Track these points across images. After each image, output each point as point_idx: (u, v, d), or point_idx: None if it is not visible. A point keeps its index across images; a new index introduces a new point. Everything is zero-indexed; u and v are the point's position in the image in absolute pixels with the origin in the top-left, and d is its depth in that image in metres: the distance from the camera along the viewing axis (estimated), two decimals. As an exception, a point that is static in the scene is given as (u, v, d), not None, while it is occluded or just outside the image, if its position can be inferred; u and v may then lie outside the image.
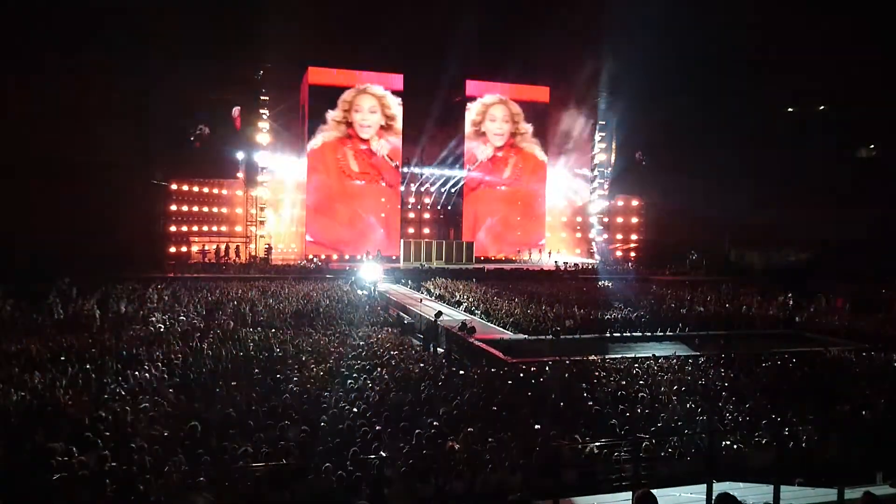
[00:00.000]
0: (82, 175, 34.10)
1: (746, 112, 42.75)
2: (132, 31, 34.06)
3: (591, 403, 11.85)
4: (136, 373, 13.62)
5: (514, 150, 47.27)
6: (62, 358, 14.95)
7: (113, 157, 34.77)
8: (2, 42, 31.64)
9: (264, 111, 41.61)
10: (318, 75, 42.28)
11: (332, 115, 42.54)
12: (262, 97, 41.41)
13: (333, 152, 42.95)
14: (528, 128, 47.12)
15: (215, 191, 41.53)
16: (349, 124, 43.01)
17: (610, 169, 49.62)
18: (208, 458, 8.55)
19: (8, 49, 31.86)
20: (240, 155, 41.03)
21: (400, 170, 44.47)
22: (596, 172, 49.85)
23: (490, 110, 46.46)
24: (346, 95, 42.92)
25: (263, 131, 41.52)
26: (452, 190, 46.68)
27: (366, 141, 43.46)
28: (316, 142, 42.31)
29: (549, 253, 47.51)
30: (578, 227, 51.03)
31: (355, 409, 10.98)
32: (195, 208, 40.23)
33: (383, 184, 44.34)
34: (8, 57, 31.91)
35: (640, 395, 12.62)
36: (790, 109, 45.04)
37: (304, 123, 43.03)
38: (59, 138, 33.83)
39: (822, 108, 43.99)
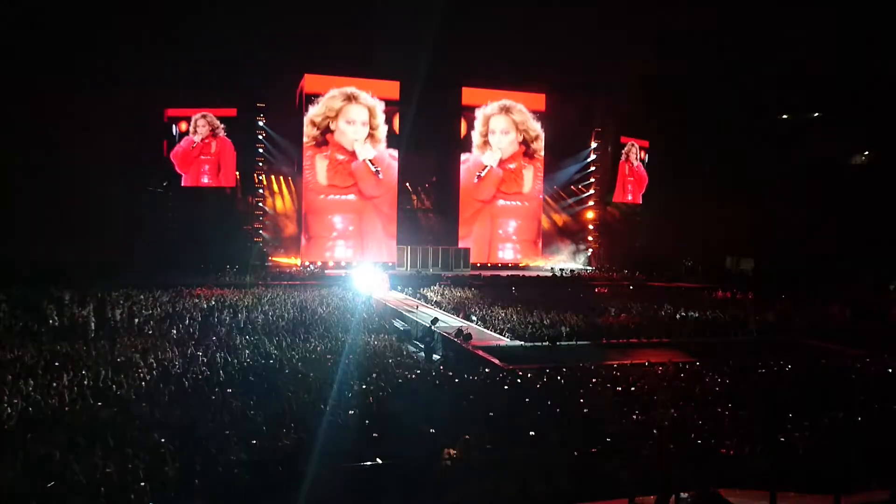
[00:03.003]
0: (79, 181, 34.17)
1: (741, 119, 42.92)
2: (129, 34, 34.14)
3: (586, 410, 11.84)
4: (131, 379, 13.60)
5: (526, 159, 47.01)
6: (57, 364, 14.90)
7: (109, 163, 34.86)
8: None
9: (260, 119, 41.68)
10: (315, 83, 42.18)
11: (313, 114, 41.69)
12: (258, 104, 41.48)
13: (315, 161, 42.38)
14: (537, 128, 46.73)
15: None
16: (330, 131, 42.20)
17: (606, 175, 49.79)
18: (203, 466, 8.52)
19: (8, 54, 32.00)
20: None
21: (380, 175, 43.80)
22: (592, 179, 49.97)
23: (490, 122, 46.11)
24: (334, 102, 42.19)
25: (260, 137, 41.59)
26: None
27: (350, 153, 42.89)
28: (308, 152, 42.09)
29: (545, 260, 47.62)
30: (575, 234, 51.05)
31: (351, 414, 10.97)
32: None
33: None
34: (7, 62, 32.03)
35: (635, 401, 12.62)
36: (784, 116, 45.20)
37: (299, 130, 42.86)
38: (56, 144, 33.96)
39: (816, 115, 44.15)
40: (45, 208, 33.59)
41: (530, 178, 47.06)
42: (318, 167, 42.26)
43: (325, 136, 42.15)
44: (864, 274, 36.05)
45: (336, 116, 42.21)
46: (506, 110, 46.14)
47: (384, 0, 37.30)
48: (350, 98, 42.40)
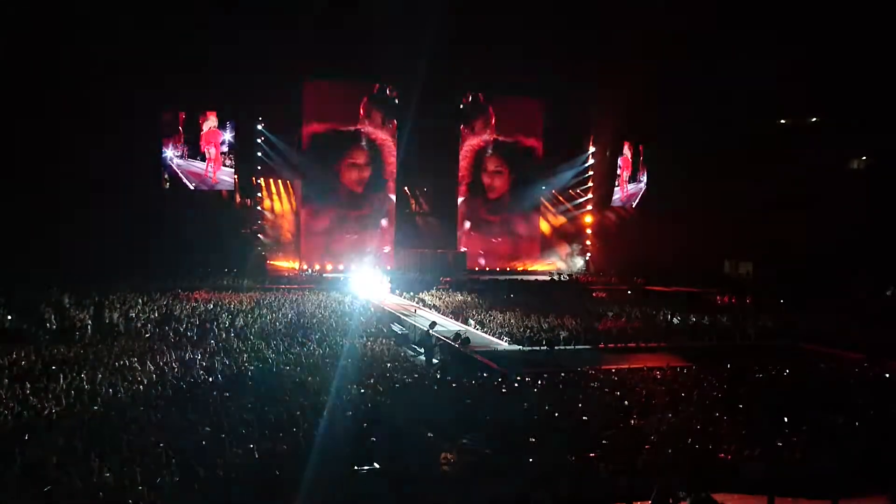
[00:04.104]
0: (76, 183, 34.15)
1: (740, 123, 42.93)
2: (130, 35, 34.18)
3: (584, 415, 11.84)
4: (129, 383, 13.58)
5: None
6: (53, 368, 14.87)
7: (106, 165, 34.82)
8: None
9: (259, 123, 41.63)
10: (315, 87, 42.44)
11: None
12: (258, 106, 41.43)
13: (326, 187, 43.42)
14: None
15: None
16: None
17: (605, 179, 49.82)
18: (201, 470, 8.50)
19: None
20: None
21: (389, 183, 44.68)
22: (591, 183, 50.01)
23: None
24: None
25: (259, 141, 41.58)
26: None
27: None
28: (310, 167, 42.76)
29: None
30: (573, 238, 50.98)
31: (349, 418, 10.96)
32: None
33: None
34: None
35: (633, 406, 12.62)
36: (782, 121, 45.24)
37: (298, 137, 43.05)
38: (53, 145, 33.94)
39: (813, 119, 44.19)
40: (43, 210, 33.52)
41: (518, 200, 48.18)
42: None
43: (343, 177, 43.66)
44: (863, 278, 36.07)
45: (348, 157, 43.65)
46: (499, 148, 47.17)
47: (385, 5, 37.26)
48: (360, 142, 43.73)
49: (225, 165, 40.64)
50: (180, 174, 39.63)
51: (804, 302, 29.79)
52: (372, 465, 8.62)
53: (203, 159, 39.96)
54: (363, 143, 43.57)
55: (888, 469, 9.22)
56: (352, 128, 43.38)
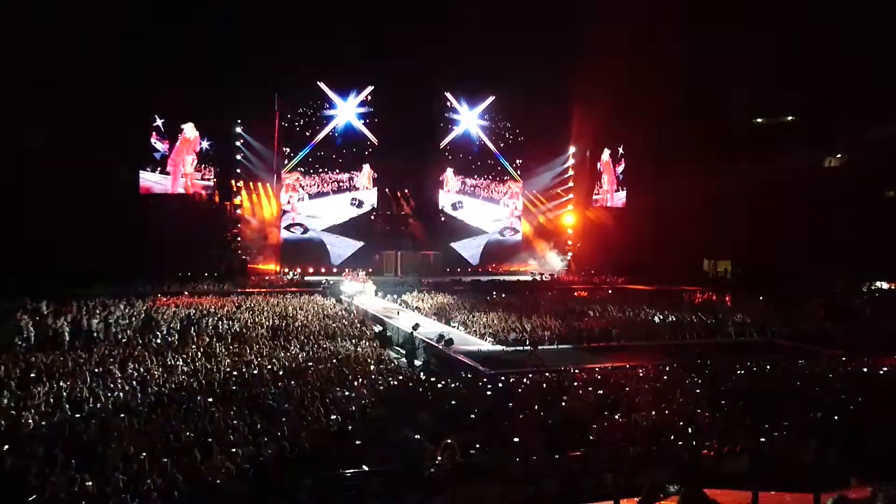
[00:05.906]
0: (53, 188, 33.77)
1: (715, 123, 43.36)
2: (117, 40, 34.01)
3: (568, 413, 11.89)
4: (109, 391, 13.42)
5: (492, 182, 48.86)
6: (33, 376, 14.66)
7: (87, 170, 34.49)
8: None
9: (238, 126, 41.37)
10: (292, 91, 42.49)
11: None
12: (236, 109, 41.20)
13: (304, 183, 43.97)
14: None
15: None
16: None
17: (585, 180, 50.13)
18: (183, 477, 8.42)
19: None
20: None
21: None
22: (571, 183, 50.27)
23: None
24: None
25: (238, 144, 41.32)
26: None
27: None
28: (288, 173, 43.28)
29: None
30: (554, 238, 51.23)
31: (334, 422, 10.92)
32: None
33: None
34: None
35: (617, 404, 12.69)
36: (759, 120, 45.74)
37: (278, 145, 42.99)
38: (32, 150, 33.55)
39: (790, 118, 44.72)
40: (19, 215, 33.10)
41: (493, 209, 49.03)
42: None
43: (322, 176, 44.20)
44: (838, 275, 36.54)
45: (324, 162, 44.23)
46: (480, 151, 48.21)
47: (362, 7, 37.25)
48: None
49: (197, 172, 40.46)
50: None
51: (782, 299, 30.13)
52: (358, 467, 8.59)
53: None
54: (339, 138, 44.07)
55: (868, 462, 9.35)
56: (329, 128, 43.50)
